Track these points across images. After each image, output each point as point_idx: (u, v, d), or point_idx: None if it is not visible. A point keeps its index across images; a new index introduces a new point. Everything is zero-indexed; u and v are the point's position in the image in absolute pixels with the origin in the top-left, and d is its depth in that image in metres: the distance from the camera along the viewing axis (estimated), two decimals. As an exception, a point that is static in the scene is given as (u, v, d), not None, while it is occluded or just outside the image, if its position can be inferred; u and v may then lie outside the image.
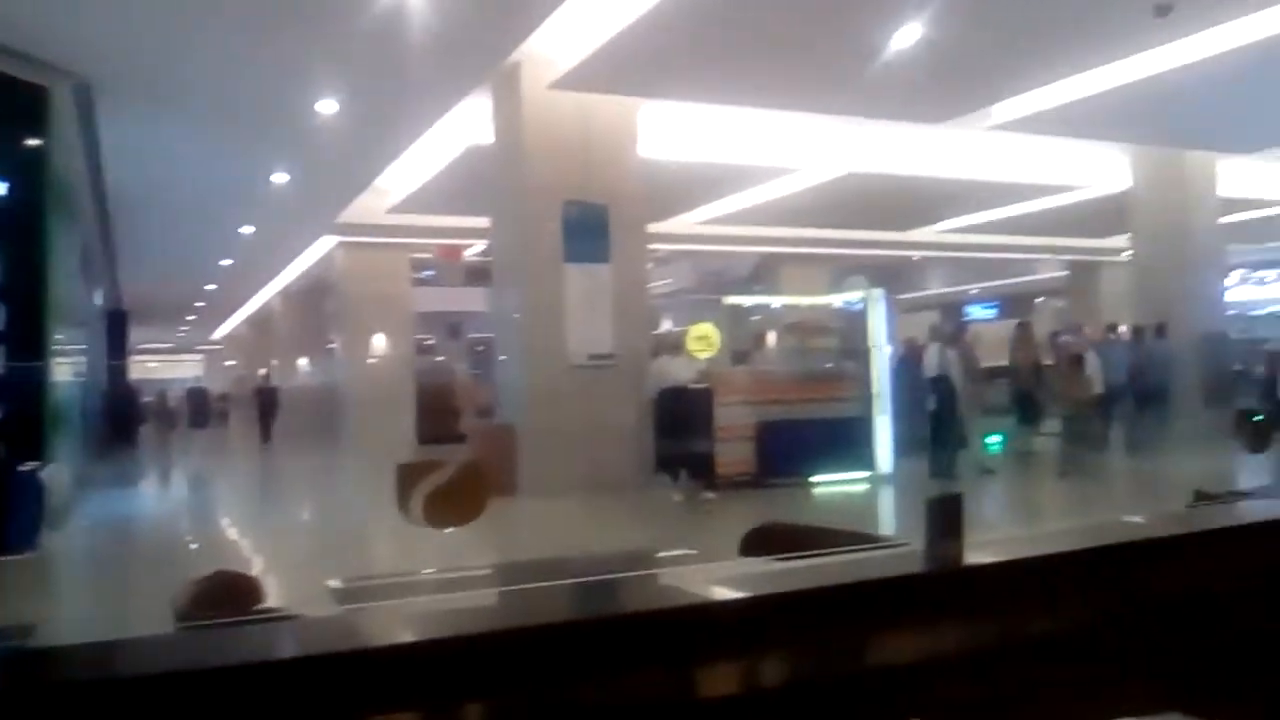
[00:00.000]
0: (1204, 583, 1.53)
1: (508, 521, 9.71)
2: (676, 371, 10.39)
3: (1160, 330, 13.68)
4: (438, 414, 18.76)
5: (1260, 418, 11.48)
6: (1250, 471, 10.48)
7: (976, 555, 1.52)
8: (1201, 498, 3.65)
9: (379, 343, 19.85)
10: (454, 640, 1.09)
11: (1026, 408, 12.34)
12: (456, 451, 11.19)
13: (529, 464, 10.39)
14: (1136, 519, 2.13)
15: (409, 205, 16.34)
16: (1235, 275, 21.04)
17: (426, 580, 2.59)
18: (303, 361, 27.16)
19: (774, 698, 1.18)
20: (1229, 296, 17.05)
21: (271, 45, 9.21)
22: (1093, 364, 11.99)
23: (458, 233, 18.05)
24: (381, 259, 19.15)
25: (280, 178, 14.28)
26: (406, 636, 1.14)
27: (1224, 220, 15.54)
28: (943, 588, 1.41)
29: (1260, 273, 24.10)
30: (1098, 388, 11.90)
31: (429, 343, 27.47)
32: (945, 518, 1.50)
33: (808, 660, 1.22)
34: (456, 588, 2.22)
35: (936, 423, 10.81)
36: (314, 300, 24.63)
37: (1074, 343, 12.66)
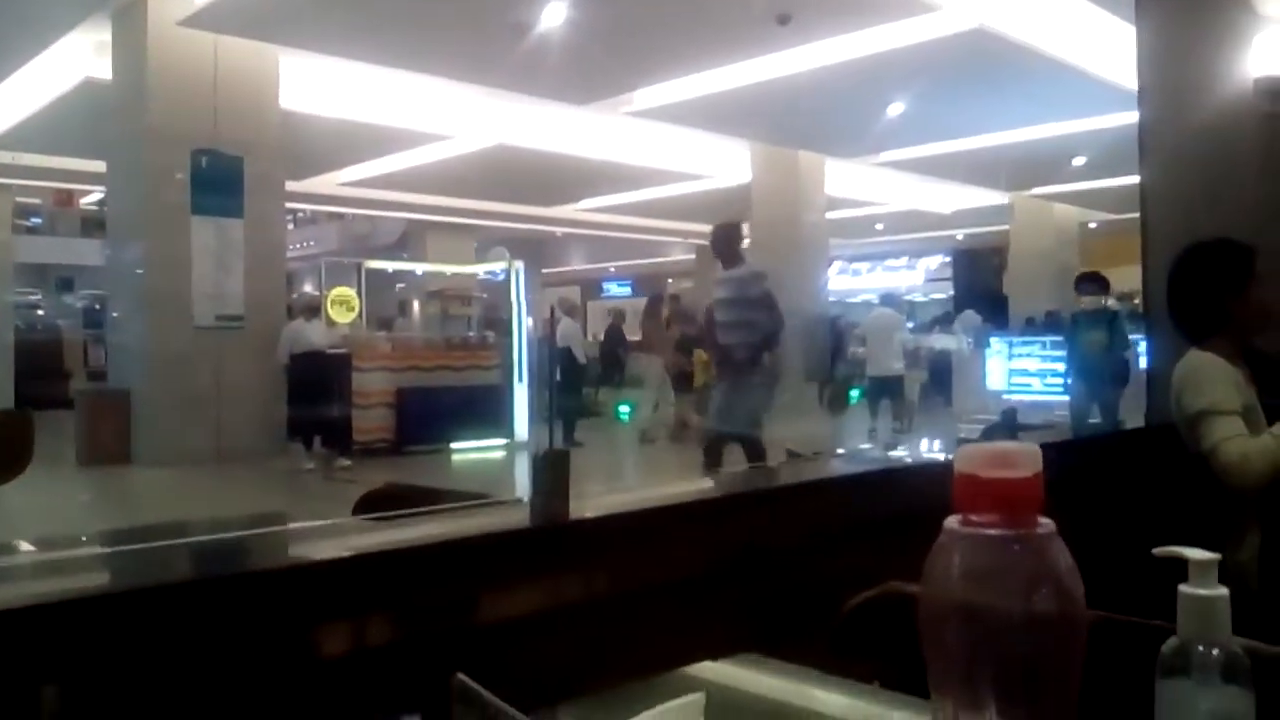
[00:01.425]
0: (780, 532, 1.74)
1: (118, 491, 9.03)
2: (312, 336, 10.06)
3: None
4: (41, 377, 16.89)
5: (842, 384, 12.94)
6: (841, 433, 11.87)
7: (580, 510, 1.62)
8: (791, 455, 4.17)
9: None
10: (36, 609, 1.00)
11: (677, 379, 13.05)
12: (63, 418, 10.18)
13: (145, 431, 9.68)
14: (735, 474, 2.31)
15: (12, 141, 14.44)
16: (836, 266, 23.55)
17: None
18: None
19: (382, 655, 1.18)
20: (831, 284, 19.02)
21: None
22: None
23: (73, 176, 16.22)
24: (-28, 201, 16.86)
25: None
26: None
27: (830, 216, 17.32)
28: (547, 541, 1.46)
29: (855, 264, 27.25)
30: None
31: (34, 298, 24.70)
32: (552, 473, 1.58)
33: (417, 615, 1.23)
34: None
35: (562, 392, 11.29)
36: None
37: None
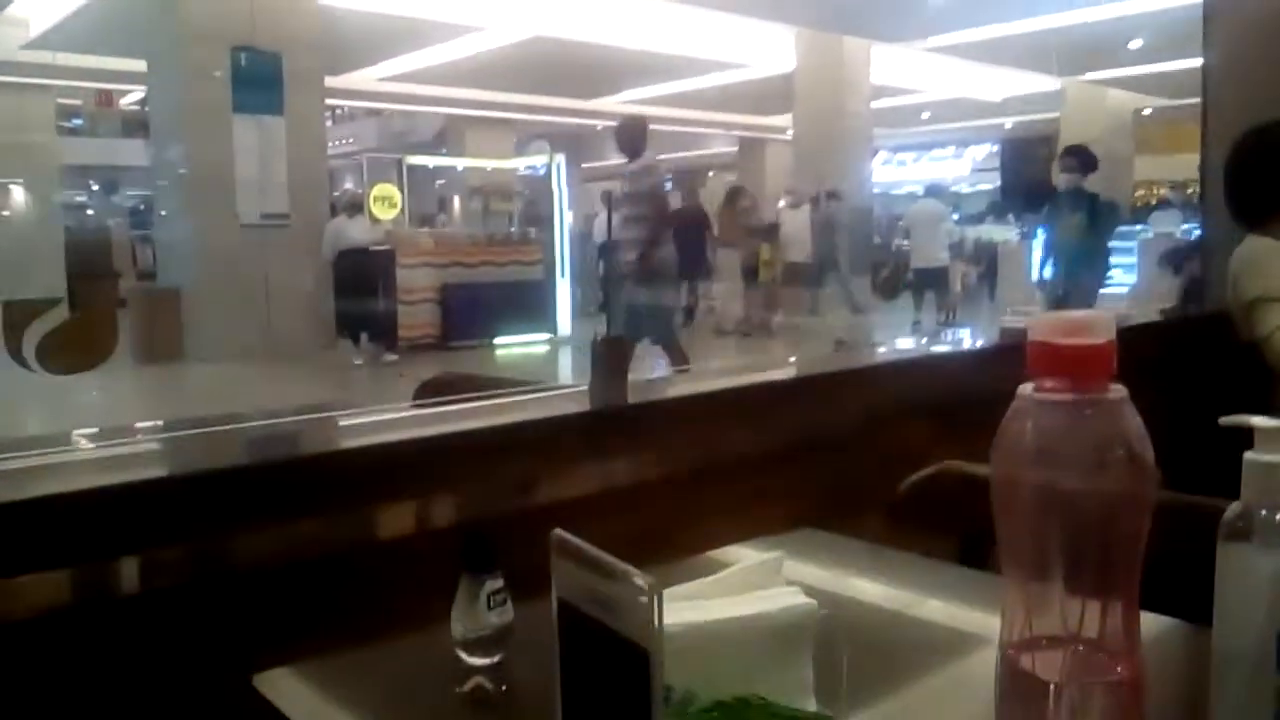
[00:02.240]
0: (835, 416, 1.76)
1: (173, 385, 9.27)
2: (355, 233, 10.14)
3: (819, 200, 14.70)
4: (91, 278, 17.12)
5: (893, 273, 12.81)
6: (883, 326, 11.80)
7: (638, 394, 1.64)
8: (839, 345, 4.20)
9: (18, 197, 17.64)
10: (110, 490, 1.04)
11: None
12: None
13: (197, 329, 9.88)
14: (788, 363, 2.32)
15: (53, 41, 14.34)
16: (880, 156, 23.08)
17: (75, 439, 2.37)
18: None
19: (446, 536, 1.25)
20: (875, 176, 18.69)
21: None
22: (800, 230, 12.56)
23: (113, 76, 16.19)
24: (16, 103, 16.81)
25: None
26: (49, 489, 1.04)
27: (875, 104, 16.91)
28: (607, 424, 1.49)
29: (900, 155, 26.67)
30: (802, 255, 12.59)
31: (81, 199, 24.94)
32: (610, 359, 1.60)
33: (483, 494, 1.27)
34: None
35: (606, 286, 11.29)
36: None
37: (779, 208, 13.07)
